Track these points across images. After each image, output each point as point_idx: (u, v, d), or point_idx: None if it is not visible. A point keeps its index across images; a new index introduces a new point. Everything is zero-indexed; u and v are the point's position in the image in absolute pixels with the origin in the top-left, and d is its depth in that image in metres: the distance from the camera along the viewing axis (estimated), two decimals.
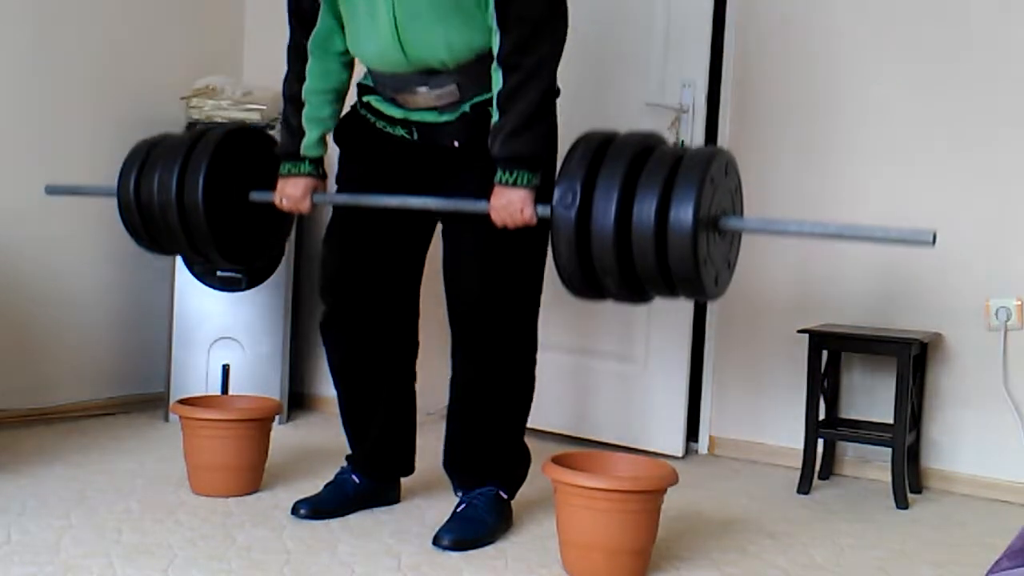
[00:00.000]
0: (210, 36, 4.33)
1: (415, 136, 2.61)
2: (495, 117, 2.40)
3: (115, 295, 4.00)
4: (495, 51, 2.40)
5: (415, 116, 2.58)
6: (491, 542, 2.58)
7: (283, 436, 3.51)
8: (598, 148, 2.15)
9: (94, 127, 3.90)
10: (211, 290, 3.83)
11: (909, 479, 3.28)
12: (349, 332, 2.75)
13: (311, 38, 2.61)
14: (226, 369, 3.86)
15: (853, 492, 3.36)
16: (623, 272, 2.11)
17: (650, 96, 3.67)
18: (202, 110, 3.88)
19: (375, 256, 2.70)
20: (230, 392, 3.80)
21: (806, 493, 3.30)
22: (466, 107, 2.53)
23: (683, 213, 2.03)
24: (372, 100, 2.65)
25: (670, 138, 3.64)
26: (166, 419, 3.82)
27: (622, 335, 3.73)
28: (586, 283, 2.18)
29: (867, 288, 3.50)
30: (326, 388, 4.20)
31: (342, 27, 2.61)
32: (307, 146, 2.62)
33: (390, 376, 2.80)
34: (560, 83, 2.51)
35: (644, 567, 2.40)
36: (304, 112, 2.63)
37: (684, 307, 3.63)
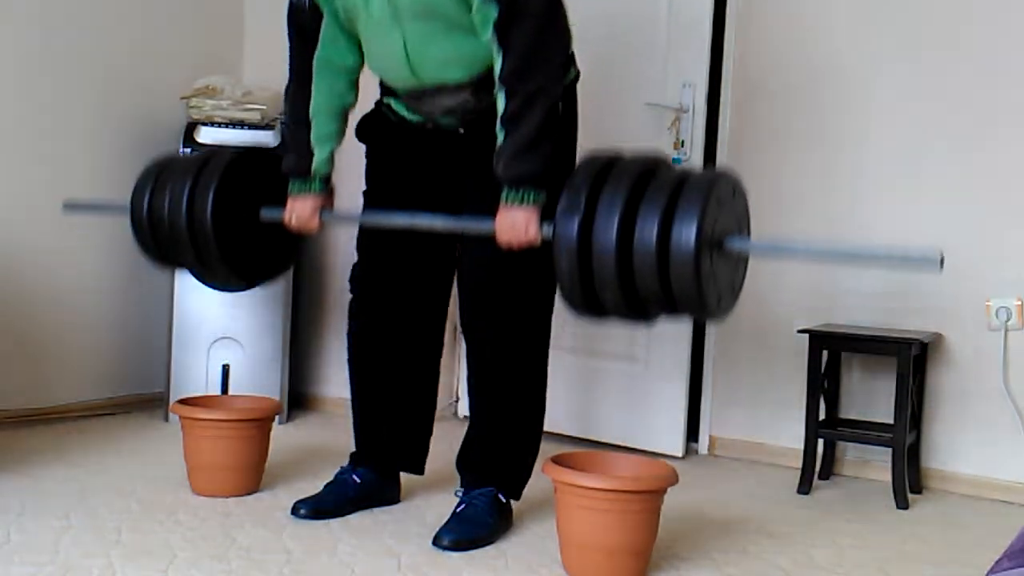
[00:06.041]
0: (210, 36, 4.33)
1: (431, 127, 2.67)
2: (500, 138, 2.39)
3: (115, 295, 3.99)
4: (496, 72, 2.40)
5: (433, 120, 2.64)
6: (491, 542, 2.58)
7: (283, 436, 3.51)
8: (602, 168, 2.15)
9: (95, 127, 3.90)
10: (211, 290, 3.82)
11: (909, 479, 3.28)
12: (372, 318, 2.77)
13: (315, 58, 2.61)
14: (226, 369, 3.86)
15: (853, 492, 3.36)
16: (624, 291, 2.10)
17: (650, 96, 3.67)
18: (202, 110, 3.87)
19: (404, 251, 2.72)
20: (230, 392, 3.80)
21: (806, 493, 3.30)
22: (483, 106, 2.54)
23: (686, 231, 2.01)
24: (392, 102, 2.69)
25: (670, 138, 3.64)
26: (166, 419, 3.82)
27: (623, 335, 3.72)
28: (586, 302, 2.17)
29: (867, 288, 3.50)
30: (326, 388, 4.22)
31: (349, 40, 2.61)
32: (316, 165, 2.64)
33: (409, 369, 2.81)
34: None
35: (644, 567, 2.40)
36: (312, 132, 2.63)
37: None
